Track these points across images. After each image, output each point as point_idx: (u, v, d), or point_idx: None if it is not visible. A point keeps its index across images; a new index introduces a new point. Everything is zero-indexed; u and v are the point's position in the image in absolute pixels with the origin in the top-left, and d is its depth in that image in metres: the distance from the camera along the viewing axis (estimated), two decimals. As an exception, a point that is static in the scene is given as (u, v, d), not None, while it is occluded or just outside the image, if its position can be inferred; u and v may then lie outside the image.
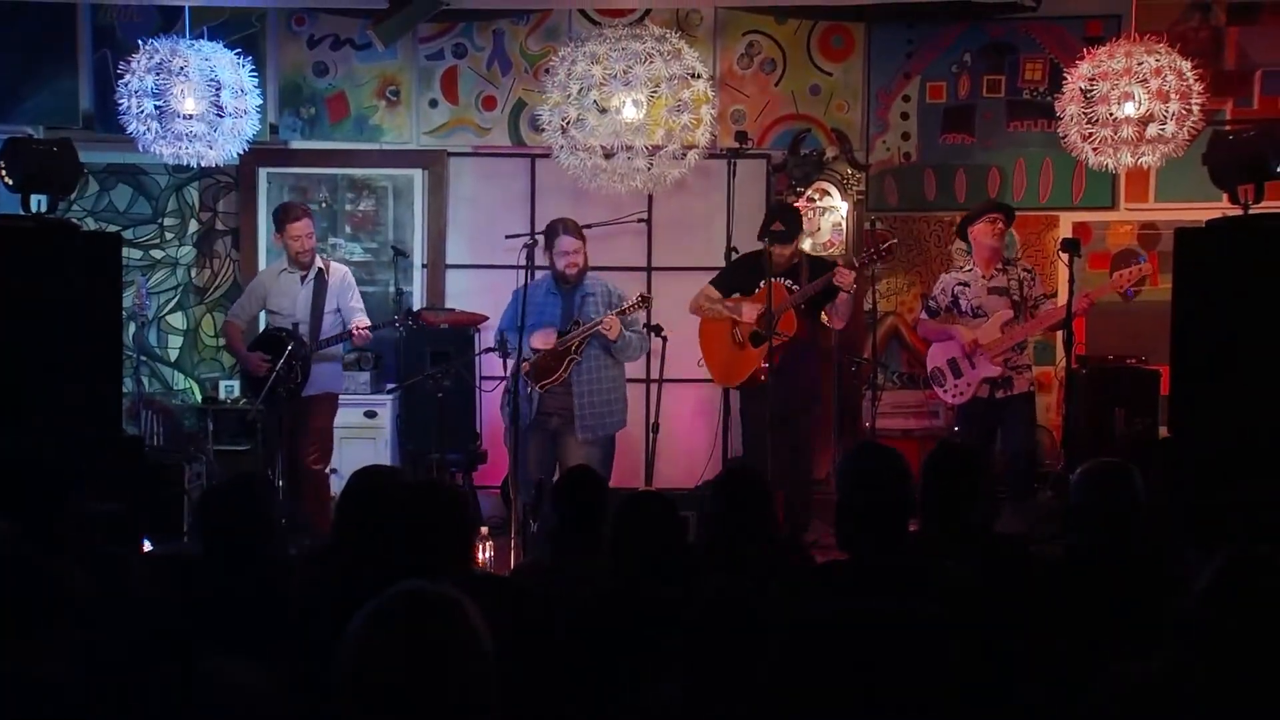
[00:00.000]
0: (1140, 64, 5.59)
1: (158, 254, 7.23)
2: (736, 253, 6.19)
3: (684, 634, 2.11)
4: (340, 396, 6.26)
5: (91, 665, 1.76)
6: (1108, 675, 2.01)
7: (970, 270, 5.99)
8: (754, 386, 5.77)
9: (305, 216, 6.05)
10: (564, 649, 2.74)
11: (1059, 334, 5.88)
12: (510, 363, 5.56)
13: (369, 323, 5.99)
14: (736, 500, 3.30)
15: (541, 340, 5.61)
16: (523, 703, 2.23)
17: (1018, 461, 5.85)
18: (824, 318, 5.94)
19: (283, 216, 6.05)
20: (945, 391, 5.96)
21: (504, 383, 5.76)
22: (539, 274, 5.86)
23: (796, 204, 6.65)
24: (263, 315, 6.49)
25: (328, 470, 6.07)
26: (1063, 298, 5.62)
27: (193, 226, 7.23)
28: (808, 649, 1.82)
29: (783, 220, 5.74)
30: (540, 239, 5.66)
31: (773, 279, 5.62)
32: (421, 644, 1.60)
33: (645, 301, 5.66)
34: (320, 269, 6.06)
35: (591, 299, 5.72)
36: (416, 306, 6.84)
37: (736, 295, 5.88)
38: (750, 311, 5.72)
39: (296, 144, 7.16)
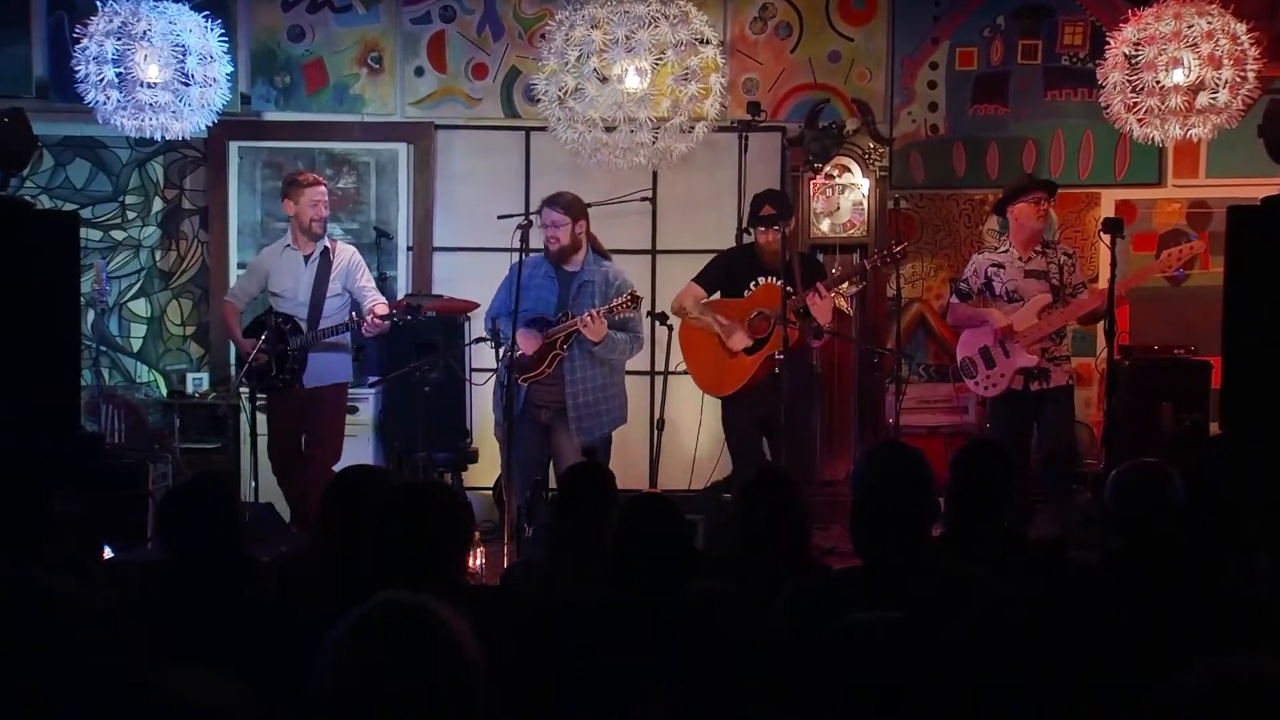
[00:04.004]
0: (1190, 27, 5.57)
1: (119, 235, 7.23)
2: (749, 234, 6.19)
3: (674, 640, 2.12)
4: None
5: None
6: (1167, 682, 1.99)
7: (1006, 251, 5.98)
8: (743, 394, 5.76)
9: (320, 184, 6.05)
10: (559, 662, 2.75)
11: (1099, 325, 5.88)
12: (504, 353, 5.54)
13: (386, 308, 5.85)
14: (767, 503, 3.33)
15: (524, 341, 5.54)
16: (516, 717, 2.23)
17: (1054, 461, 5.84)
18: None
19: (299, 181, 6.00)
20: (976, 383, 5.96)
21: (495, 374, 5.75)
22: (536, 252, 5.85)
23: (814, 180, 6.65)
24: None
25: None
26: (1104, 283, 5.62)
27: (157, 205, 7.23)
28: (824, 661, 1.83)
29: (772, 204, 5.75)
30: (535, 219, 5.65)
31: (768, 278, 5.64)
32: (399, 657, 1.62)
33: (635, 302, 5.57)
34: (326, 248, 6.06)
35: (588, 288, 5.66)
36: (402, 293, 6.83)
37: (717, 296, 5.88)
38: (740, 340, 5.73)
39: (270, 115, 7.16)
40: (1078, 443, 6.43)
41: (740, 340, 5.74)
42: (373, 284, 6.12)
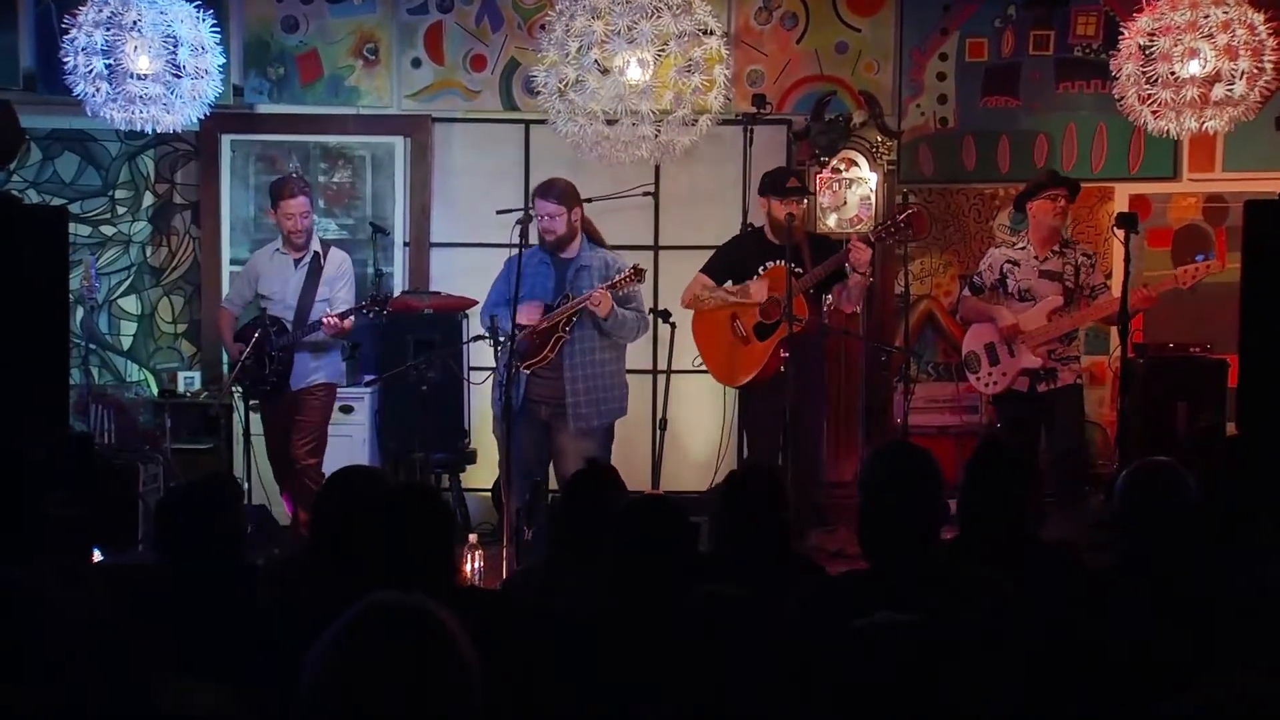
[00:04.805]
0: (1206, 17, 5.57)
1: (108, 230, 7.23)
2: (752, 228, 6.19)
3: (676, 643, 2.13)
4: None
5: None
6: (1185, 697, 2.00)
7: (1024, 248, 5.98)
8: (760, 384, 5.76)
9: (301, 194, 6.04)
10: (560, 665, 2.75)
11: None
12: (503, 349, 5.54)
13: (341, 310, 5.90)
14: (745, 504, 3.34)
15: (525, 315, 5.56)
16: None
17: (1065, 461, 5.85)
18: (828, 301, 5.88)
19: (277, 192, 6.05)
20: (978, 378, 5.98)
21: (494, 373, 5.75)
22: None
23: (820, 174, 6.66)
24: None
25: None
26: (1117, 279, 5.61)
27: (147, 200, 7.24)
28: (832, 665, 1.84)
29: (796, 176, 5.84)
30: (532, 211, 5.65)
31: (777, 262, 5.65)
32: (393, 658, 1.62)
33: (639, 274, 5.59)
34: (317, 253, 6.07)
35: (586, 272, 5.68)
36: (398, 289, 6.84)
37: (729, 284, 5.89)
38: (760, 290, 5.72)
39: (263, 108, 7.16)
40: (1089, 443, 6.44)
41: (761, 290, 5.72)
42: (349, 294, 6.07)
